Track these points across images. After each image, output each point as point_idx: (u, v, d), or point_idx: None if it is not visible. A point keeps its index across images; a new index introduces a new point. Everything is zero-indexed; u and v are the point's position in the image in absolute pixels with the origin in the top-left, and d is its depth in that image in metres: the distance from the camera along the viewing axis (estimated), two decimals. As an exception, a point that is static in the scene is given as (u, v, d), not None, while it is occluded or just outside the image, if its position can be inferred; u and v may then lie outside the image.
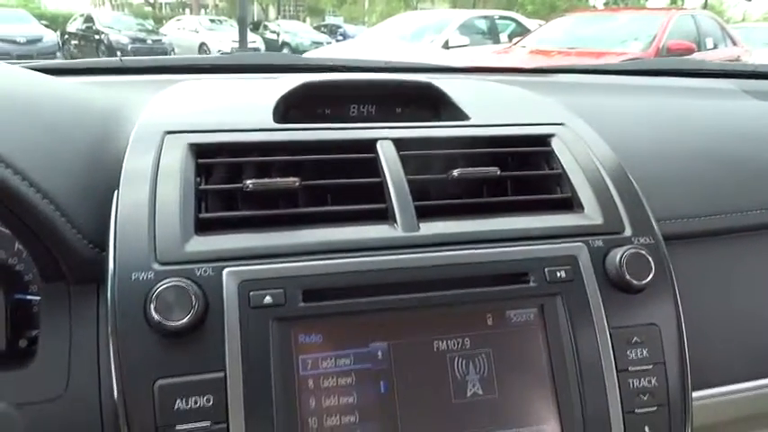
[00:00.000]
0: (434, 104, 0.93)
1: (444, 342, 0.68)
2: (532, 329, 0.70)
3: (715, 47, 8.00)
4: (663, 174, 0.93)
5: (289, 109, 0.87)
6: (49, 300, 0.68)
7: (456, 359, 0.68)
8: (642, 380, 0.70)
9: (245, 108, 0.83)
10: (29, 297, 0.78)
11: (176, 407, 0.59)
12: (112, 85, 1.09)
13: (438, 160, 0.82)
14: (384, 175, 0.75)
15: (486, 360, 0.68)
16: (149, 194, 0.68)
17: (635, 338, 0.71)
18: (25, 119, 0.69)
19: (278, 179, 0.73)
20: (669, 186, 0.92)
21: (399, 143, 0.79)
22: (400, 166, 0.76)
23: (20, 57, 14.19)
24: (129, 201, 0.67)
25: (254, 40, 16.93)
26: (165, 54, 16.99)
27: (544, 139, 0.85)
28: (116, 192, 0.68)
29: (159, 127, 0.76)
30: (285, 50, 18.98)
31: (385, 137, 0.80)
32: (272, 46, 19.02)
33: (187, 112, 0.81)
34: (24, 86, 0.77)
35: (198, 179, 0.72)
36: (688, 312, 0.75)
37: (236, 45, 14.66)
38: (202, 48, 18.00)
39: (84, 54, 17.16)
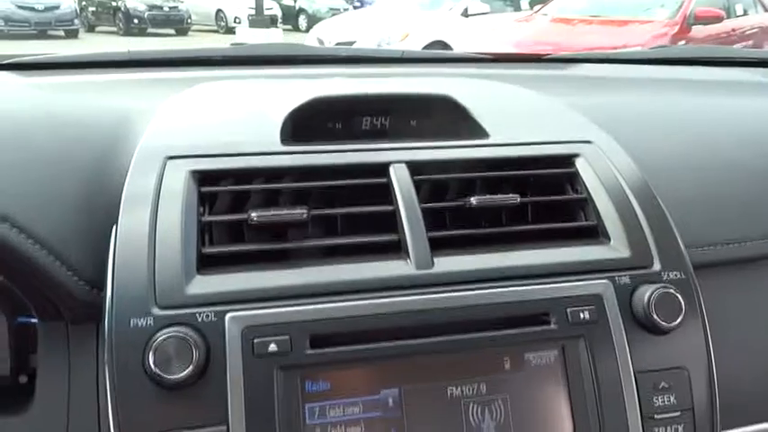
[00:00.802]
0: (452, 118, 0.88)
1: (459, 388, 0.65)
2: (552, 373, 0.66)
3: (745, 13, 7.67)
4: (695, 193, 0.87)
5: (298, 125, 0.83)
6: (46, 339, 0.66)
7: (471, 406, 0.64)
8: (669, 428, 0.66)
9: (252, 125, 0.79)
10: (33, 320, 0.76)
11: None
12: (117, 87, 1.05)
13: (455, 184, 0.78)
14: (397, 204, 0.71)
15: (502, 406, 0.65)
16: (149, 228, 0.65)
17: (662, 383, 0.67)
18: (16, 160, 0.65)
19: (284, 211, 0.69)
20: (701, 207, 0.86)
21: (413, 166, 0.75)
22: (414, 192, 0.72)
23: (38, 24, 14.23)
24: (127, 236, 0.64)
25: (271, 6, 16.69)
26: (182, 21, 16.89)
27: (568, 160, 0.80)
28: (114, 227, 0.65)
29: (160, 151, 0.72)
30: (301, 17, 18.76)
31: (398, 159, 0.75)
32: (288, 12, 18.78)
33: (190, 131, 0.77)
34: (15, 121, 0.73)
35: (201, 209, 0.69)
36: (716, 350, 0.71)
37: (253, 12, 14.49)
38: (219, 14, 17.82)
39: (100, 21, 17.11)
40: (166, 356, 0.57)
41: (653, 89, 1.21)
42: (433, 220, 0.73)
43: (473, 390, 0.65)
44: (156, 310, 0.60)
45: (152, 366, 0.57)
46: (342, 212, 0.72)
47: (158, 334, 0.57)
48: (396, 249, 0.70)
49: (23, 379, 0.70)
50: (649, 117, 1.03)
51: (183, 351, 0.57)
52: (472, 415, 0.64)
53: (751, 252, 0.85)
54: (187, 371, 0.57)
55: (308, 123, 0.85)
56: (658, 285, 0.68)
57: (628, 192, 0.77)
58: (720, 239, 0.84)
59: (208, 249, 0.67)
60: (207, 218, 0.69)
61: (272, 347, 0.61)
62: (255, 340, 0.60)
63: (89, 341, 0.66)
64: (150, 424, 0.57)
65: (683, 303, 0.67)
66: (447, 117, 0.87)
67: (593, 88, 1.19)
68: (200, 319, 0.60)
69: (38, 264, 0.60)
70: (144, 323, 0.59)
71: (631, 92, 1.18)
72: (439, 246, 0.70)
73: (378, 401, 0.63)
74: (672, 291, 0.67)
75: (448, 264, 0.68)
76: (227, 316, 0.61)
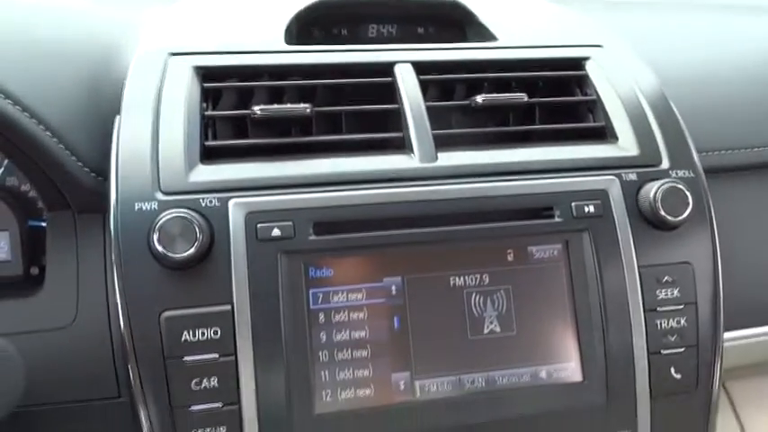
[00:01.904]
0: (460, 24, 0.86)
1: (461, 278, 0.65)
2: (556, 266, 0.66)
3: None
4: (711, 102, 0.86)
5: (302, 29, 0.82)
6: (54, 228, 0.67)
7: (473, 295, 0.65)
8: (671, 320, 0.66)
9: (256, 27, 0.78)
10: (43, 224, 0.77)
11: (183, 338, 0.58)
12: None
13: (461, 85, 0.77)
14: (402, 102, 0.70)
15: (504, 297, 0.65)
16: (152, 120, 0.65)
17: (666, 277, 0.67)
18: (23, 48, 0.65)
19: (288, 105, 0.68)
20: (716, 116, 0.85)
21: (419, 66, 0.74)
22: (419, 91, 0.71)
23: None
24: (130, 127, 0.64)
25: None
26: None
27: (578, 63, 0.79)
28: (117, 117, 0.65)
29: (163, 48, 0.71)
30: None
31: (404, 60, 0.74)
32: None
33: (193, 32, 0.76)
34: (23, 14, 0.73)
35: (204, 105, 0.69)
36: (723, 250, 0.70)
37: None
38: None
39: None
40: (170, 236, 0.57)
41: (672, 10, 1.18)
42: (438, 120, 0.72)
43: (476, 280, 0.65)
44: (159, 196, 0.61)
45: (157, 245, 0.57)
46: (346, 110, 0.72)
47: (163, 214, 0.58)
48: (400, 146, 0.69)
49: (35, 271, 0.71)
50: (672, 33, 1.00)
51: (187, 231, 0.57)
52: (474, 304, 0.65)
53: (762, 158, 0.84)
54: (191, 250, 0.57)
55: (313, 28, 0.84)
56: (666, 180, 0.67)
57: (639, 94, 0.76)
58: (732, 145, 0.83)
59: (211, 142, 0.67)
60: (210, 112, 0.69)
61: (276, 232, 0.61)
62: (259, 225, 0.61)
63: (96, 230, 0.66)
64: (156, 303, 0.58)
65: (690, 198, 0.66)
66: (455, 24, 0.86)
67: (610, 8, 1.16)
68: (203, 204, 0.61)
69: (43, 146, 0.61)
70: (148, 207, 0.60)
71: (650, 12, 1.15)
72: (444, 144, 0.69)
73: (381, 289, 0.63)
74: (679, 185, 0.67)
75: (452, 158, 0.68)
76: (231, 201, 0.61)
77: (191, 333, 0.58)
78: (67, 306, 0.64)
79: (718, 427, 0.71)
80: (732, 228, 0.80)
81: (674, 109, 0.76)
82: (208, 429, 0.58)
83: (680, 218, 0.66)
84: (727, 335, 0.73)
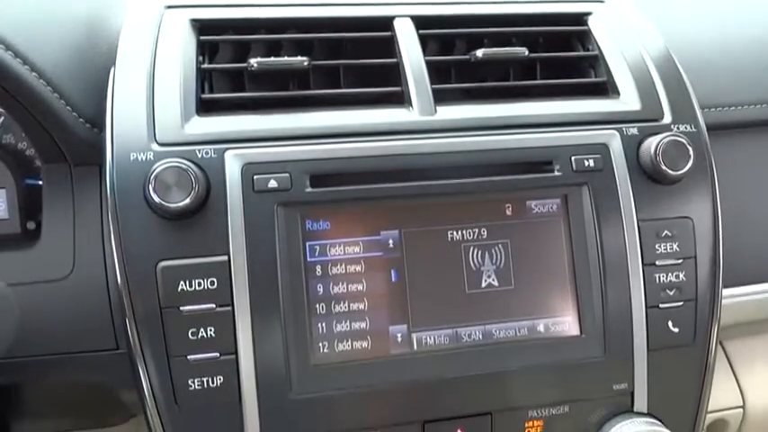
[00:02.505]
0: None
1: (459, 232, 0.64)
2: (554, 221, 0.66)
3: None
4: (717, 61, 0.84)
5: None
6: (51, 181, 0.66)
7: (471, 249, 0.64)
8: (669, 275, 0.66)
9: None
10: (39, 183, 0.77)
11: (180, 288, 0.58)
12: None
13: (461, 41, 0.75)
14: (400, 56, 0.69)
15: (503, 251, 0.65)
16: (148, 73, 0.64)
17: (665, 232, 0.66)
18: None
19: (286, 58, 0.68)
20: (717, 71, 0.83)
21: (419, 21, 0.73)
22: (419, 45, 0.70)
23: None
24: (126, 79, 0.64)
25: None
26: None
27: (580, 18, 0.77)
28: (112, 69, 0.64)
29: (159, 1, 0.70)
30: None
31: (403, 14, 0.73)
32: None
33: None
34: None
35: (200, 58, 0.68)
36: (725, 208, 0.70)
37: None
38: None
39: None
40: (166, 185, 0.57)
41: None
42: (438, 75, 0.71)
43: (474, 234, 0.65)
44: (155, 147, 0.60)
45: (153, 195, 0.57)
46: (344, 64, 0.71)
47: (159, 164, 0.58)
48: (399, 100, 0.68)
49: (31, 225, 0.71)
50: None
51: (183, 181, 0.57)
52: (472, 258, 0.64)
53: (765, 115, 0.83)
54: (187, 200, 0.57)
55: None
56: (667, 134, 0.66)
57: (641, 50, 0.75)
58: (735, 102, 0.81)
59: (207, 95, 0.66)
60: (206, 65, 0.68)
61: (272, 184, 0.61)
62: (255, 176, 0.60)
63: (92, 183, 0.66)
64: (152, 253, 0.58)
65: (691, 152, 0.66)
66: None
67: None
68: (199, 156, 0.60)
69: (38, 95, 0.60)
70: (144, 157, 0.59)
71: None
72: (443, 99, 0.68)
73: (378, 242, 0.63)
74: (681, 139, 0.66)
75: (451, 112, 0.67)
76: (227, 153, 0.61)
77: (187, 283, 0.58)
78: (64, 258, 0.64)
79: (716, 386, 0.71)
80: (735, 186, 0.79)
81: (678, 64, 0.75)
82: (205, 379, 0.58)
83: (681, 171, 0.65)
84: (726, 291, 0.72)
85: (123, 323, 0.58)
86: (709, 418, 0.89)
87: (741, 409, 0.89)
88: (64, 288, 0.63)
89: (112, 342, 0.64)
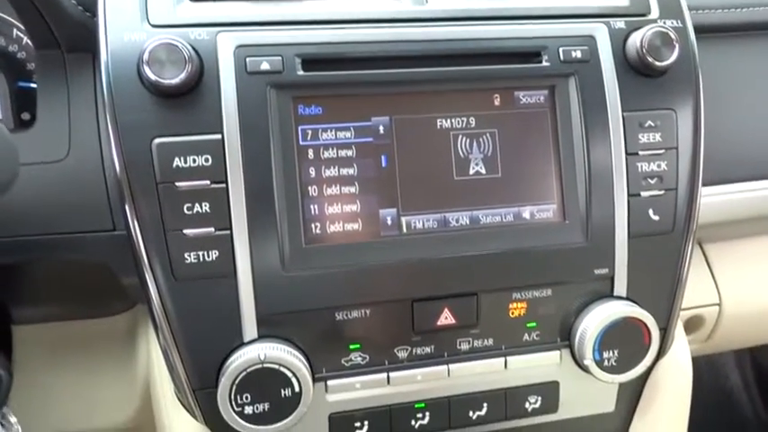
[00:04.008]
0: None
1: (448, 120, 0.66)
2: (542, 111, 0.67)
3: None
4: None
5: None
6: (44, 68, 0.67)
7: (460, 137, 0.66)
8: (651, 164, 0.68)
9: None
10: (32, 86, 0.77)
11: (175, 165, 0.59)
12: None
13: None
14: None
15: (490, 140, 0.67)
16: None
17: (648, 122, 0.68)
18: None
19: None
20: None
21: None
22: None
23: None
24: None
25: None
26: None
27: None
28: None
29: None
30: None
31: None
32: None
33: None
34: None
35: None
36: (708, 107, 0.71)
37: None
38: None
39: None
40: (160, 61, 0.58)
41: None
42: None
43: (462, 122, 0.66)
44: (148, 28, 0.61)
45: (147, 71, 0.58)
46: None
47: (152, 40, 0.58)
48: None
49: (26, 116, 0.72)
50: None
51: (177, 57, 0.58)
52: (460, 146, 0.66)
53: (750, 17, 0.84)
54: (181, 76, 0.58)
55: None
56: (654, 26, 0.67)
57: None
58: (722, 5, 0.82)
59: None
60: None
61: (265, 66, 0.61)
62: (248, 58, 0.61)
63: (86, 70, 0.67)
64: (147, 129, 0.59)
65: (676, 43, 0.67)
66: None
67: None
68: (192, 37, 0.61)
69: None
70: (137, 37, 0.60)
71: None
72: None
73: (369, 128, 0.65)
74: (667, 30, 0.67)
75: (443, 2, 0.68)
76: (220, 35, 0.61)
77: (182, 159, 0.59)
78: (60, 141, 0.65)
79: (695, 285, 0.74)
80: (720, 88, 0.80)
81: None
82: (201, 253, 0.60)
83: (666, 62, 0.67)
84: (706, 189, 0.75)
85: (120, 202, 0.60)
86: (687, 314, 0.92)
87: (717, 307, 0.93)
88: (61, 169, 0.65)
89: (110, 223, 0.66)
